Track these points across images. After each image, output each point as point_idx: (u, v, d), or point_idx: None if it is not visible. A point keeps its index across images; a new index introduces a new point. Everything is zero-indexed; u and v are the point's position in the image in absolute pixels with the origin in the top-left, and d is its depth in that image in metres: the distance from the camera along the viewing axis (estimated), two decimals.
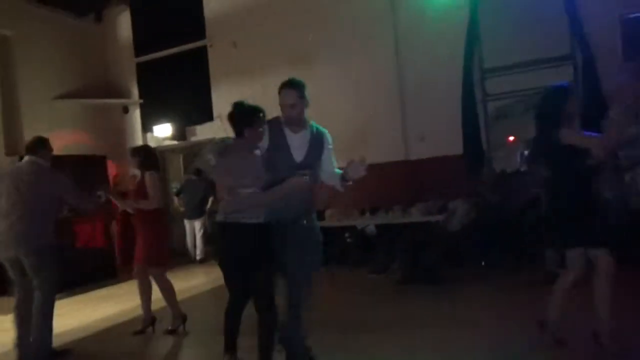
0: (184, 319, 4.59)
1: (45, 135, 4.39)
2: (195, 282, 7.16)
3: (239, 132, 3.12)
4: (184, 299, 5.28)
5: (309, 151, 3.11)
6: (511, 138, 9.92)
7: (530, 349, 3.44)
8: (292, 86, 3.08)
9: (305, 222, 3.09)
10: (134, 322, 4.94)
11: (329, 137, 3.24)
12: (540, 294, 4.69)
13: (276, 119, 3.19)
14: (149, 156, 4.57)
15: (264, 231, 3.03)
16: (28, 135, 5.41)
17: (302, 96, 3.08)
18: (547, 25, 6.74)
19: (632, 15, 6.38)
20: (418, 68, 7.46)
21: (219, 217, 3.10)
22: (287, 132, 3.12)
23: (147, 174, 4.41)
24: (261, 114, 3.15)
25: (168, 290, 4.53)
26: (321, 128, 3.24)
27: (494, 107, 7.73)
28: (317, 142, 3.16)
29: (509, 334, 3.78)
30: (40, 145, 4.19)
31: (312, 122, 3.21)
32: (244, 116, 3.12)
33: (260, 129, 3.10)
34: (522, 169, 6.85)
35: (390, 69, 7.71)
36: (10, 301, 4.16)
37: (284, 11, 8.40)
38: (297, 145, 3.11)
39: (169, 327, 4.54)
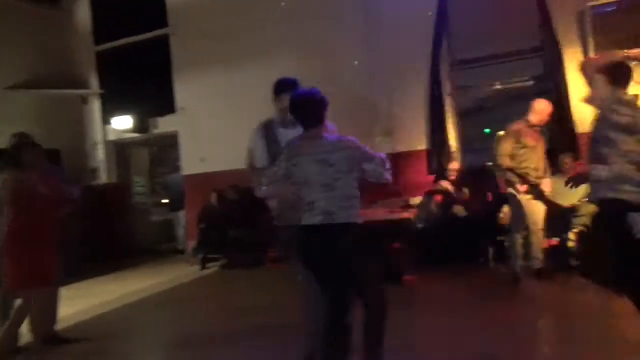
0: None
1: None
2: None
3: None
4: None
5: None
6: (486, 131, 9.82)
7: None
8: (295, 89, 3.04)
9: None
10: None
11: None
12: (507, 293, 4.63)
13: (271, 122, 3.20)
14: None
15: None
16: None
17: None
18: (517, 18, 6.60)
19: (601, 10, 6.25)
20: (386, 61, 7.23)
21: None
22: (281, 131, 3.14)
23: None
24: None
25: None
26: None
27: (467, 99, 7.58)
28: None
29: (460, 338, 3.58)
30: None
31: None
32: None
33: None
34: (491, 164, 6.67)
35: (358, 61, 7.46)
36: None
37: (250, 2, 8.07)
38: None
39: None
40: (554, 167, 5.45)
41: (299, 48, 7.70)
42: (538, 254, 4.93)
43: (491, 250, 5.75)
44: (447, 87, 6.96)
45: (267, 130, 3.17)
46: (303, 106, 2.85)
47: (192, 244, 8.26)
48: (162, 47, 8.86)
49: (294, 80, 3.16)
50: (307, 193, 2.74)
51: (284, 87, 3.12)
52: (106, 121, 9.43)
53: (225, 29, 8.25)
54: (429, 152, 6.80)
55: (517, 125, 4.95)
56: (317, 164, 2.70)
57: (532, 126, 4.91)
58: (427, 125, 6.83)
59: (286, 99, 2.98)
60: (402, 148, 7.03)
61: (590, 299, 4.30)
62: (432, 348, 3.51)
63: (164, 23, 8.86)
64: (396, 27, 7.05)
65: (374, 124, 7.29)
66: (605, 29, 6.12)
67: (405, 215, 5.42)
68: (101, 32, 9.39)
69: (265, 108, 3.37)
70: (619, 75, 3.02)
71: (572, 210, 5.34)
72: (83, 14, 9.53)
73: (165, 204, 10.88)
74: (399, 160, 7.00)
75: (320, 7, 7.62)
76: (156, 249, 9.86)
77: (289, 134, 3.02)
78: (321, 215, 2.68)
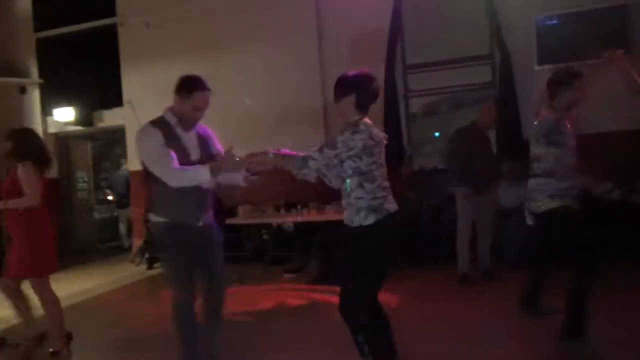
0: (68, 338, 3.91)
1: None
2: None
3: None
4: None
5: (202, 149, 2.99)
6: (436, 134, 10.06)
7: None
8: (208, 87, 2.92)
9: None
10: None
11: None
12: (448, 295, 4.74)
13: (161, 119, 2.99)
14: (24, 142, 3.79)
15: None
16: None
17: None
18: (468, 25, 6.80)
19: (547, 22, 6.53)
20: (341, 60, 7.23)
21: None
22: (179, 131, 2.96)
23: (20, 166, 3.70)
24: None
25: (51, 304, 3.83)
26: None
27: (420, 103, 7.71)
28: (205, 137, 3.06)
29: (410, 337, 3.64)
30: None
31: None
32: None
33: None
34: (440, 167, 6.84)
35: (312, 60, 7.44)
36: None
37: None
38: (191, 145, 2.96)
39: (51, 349, 3.80)
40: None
41: (249, 41, 7.59)
42: (486, 254, 5.10)
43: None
44: (400, 91, 7.04)
45: (164, 130, 2.91)
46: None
47: (138, 243, 7.97)
48: (109, 36, 8.48)
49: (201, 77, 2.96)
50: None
51: (197, 84, 2.90)
52: (47, 112, 8.93)
53: (174, 20, 8.01)
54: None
55: (466, 127, 5.15)
56: None
57: (478, 130, 5.10)
58: (383, 127, 6.87)
59: (199, 98, 2.87)
60: None
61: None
62: None
63: (111, 12, 8.49)
64: (351, 26, 7.08)
65: (329, 125, 7.30)
66: (549, 41, 6.40)
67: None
68: (43, 18, 8.86)
69: (216, 101, 3.21)
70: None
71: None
72: None
73: (110, 200, 10.58)
74: None
75: (275, 3, 7.52)
76: (99, 247, 9.49)
77: (190, 137, 2.96)
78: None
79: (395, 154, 6.83)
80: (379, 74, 6.77)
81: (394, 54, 6.94)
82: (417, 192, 6.26)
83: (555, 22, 6.47)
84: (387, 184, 2.70)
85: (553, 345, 3.31)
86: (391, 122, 6.87)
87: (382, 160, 2.68)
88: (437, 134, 9.36)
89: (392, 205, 2.69)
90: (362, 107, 2.67)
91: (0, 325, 4.04)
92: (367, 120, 2.68)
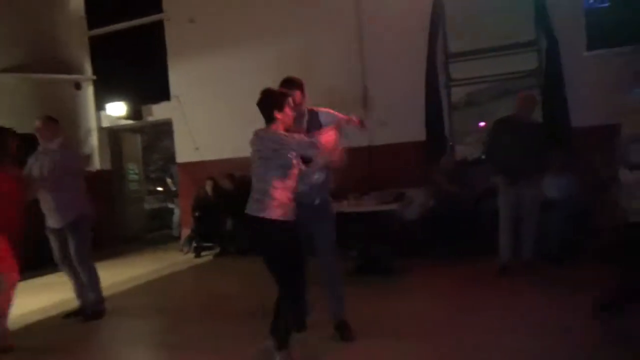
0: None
1: None
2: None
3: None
4: None
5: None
6: (482, 124, 9.82)
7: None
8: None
9: None
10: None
11: None
12: (489, 286, 4.69)
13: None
14: None
15: None
16: None
17: None
18: (512, 11, 6.61)
19: (596, 5, 6.26)
20: (382, 51, 7.22)
21: None
22: None
23: None
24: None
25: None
26: None
27: (462, 92, 7.57)
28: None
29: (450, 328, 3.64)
30: None
31: None
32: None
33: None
34: (483, 157, 6.71)
35: (353, 52, 7.44)
36: None
37: None
38: None
39: None
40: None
41: (294, 34, 7.68)
42: (528, 245, 5.00)
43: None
44: (442, 80, 6.94)
45: None
46: None
47: (186, 232, 8.27)
48: (156, 32, 8.78)
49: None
50: None
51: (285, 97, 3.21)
52: (99, 107, 9.37)
53: (218, 14, 8.20)
54: (425, 144, 6.79)
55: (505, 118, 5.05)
56: None
57: (517, 120, 4.98)
58: (425, 116, 6.81)
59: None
60: (400, 138, 7.03)
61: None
62: (419, 336, 3.57)
63: (158, 8, 8.77)
64: (392, 14, 7.03)
65: (371, 114, 7.31)
66: (599, 26, 6.13)
67: (391, 206, 5.41)
68: (94, 16, 9.28)
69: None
70: None
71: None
72: None
73: (160, 191, 11.03)
74: (394, 150, 7.05)
75: None
76: (149, 236, 9.89)
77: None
78: None
79: (437, 145, 6.79)
80: (420, 63, 6.74)
81: (435, 43, 6.83)
82: (457, 183, 6.18)
83: (605, 4, 6.19)
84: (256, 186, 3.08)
85: (587, 338, 3.26)
86: (432, 113, 6.80)
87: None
88: (481, 123, 9.19)
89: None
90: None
91: None
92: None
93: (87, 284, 4.54)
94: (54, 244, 4.50)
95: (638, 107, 3.12)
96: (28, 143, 4.63)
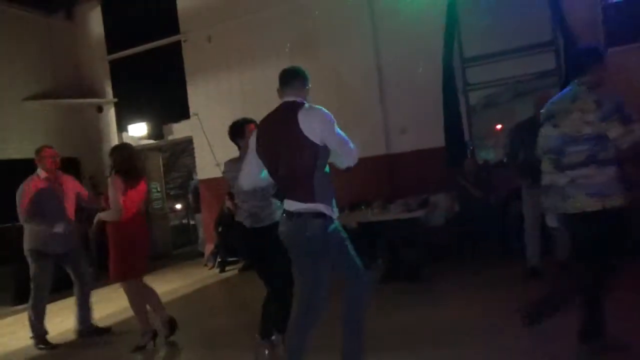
0: (154, 334, 4.27)
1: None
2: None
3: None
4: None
5: None
6: (499, 127, 9.75)
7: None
8: None
9: None
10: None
11: None
12: (520, 289, 4.62)
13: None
14: (116, 157, 4.15)
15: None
16: None
17: None
18: (527, 11, 6.58)
19: (612, 1, 6.21)
20: (397, 58, 7.25)
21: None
22: None
23: (109, 178, 4.08)
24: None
25: (135, 305, 4.24)
26: None
27: (480, 95, 7.55)
28: None
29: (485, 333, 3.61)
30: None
31: None
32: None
33: None
34: (504, 160, 6.67)
35: (368, 60, 7.49)
36: None
37: (259, 4, 8.14)
38: None
39: (137, 344, 4.24)
40: None
41: (308, 48, 7.75)
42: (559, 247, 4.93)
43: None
44: (459, 84, 6.94)
45: None
46: None
47: (209, 248, 8.35)
48: (174, 53, 8.96)
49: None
50: None
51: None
52: (122, 128, 9.56)
53: (234, 34, 8.34)
54: (446, 148, 6.79)
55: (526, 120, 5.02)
56: None
57: (537, 121, 4.92)
58: (443, 122, 6.81)
59: None
60: (420, 145, 7.04)
61: None
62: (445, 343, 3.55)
63: (175, 30, 8.96)
64: (407, 22, 7.05)
65: (389, 122, 7.34)
66: (617, 22, 6.08)
67: (417, 213, 5.41)
68: (113, 40, 9.53)
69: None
70: None
71: None
72: (95, 24, 9.68)
73: (179, 209, 11.15)
74: (415, 157, 7.04)
75: (326, 4, 7.63)
76: (175, 252, 10.00)
77: None
78: None
79: (457, 150, 6.77)
80: (437, 69, 6.76)
81: (451, 48, 6.85)
82: (482, 186, 6.15)
83: (622, 1, 6.14)
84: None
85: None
86: (451, 117, 6.80)
87: None
88: (498, 126, 9.13)
89: None
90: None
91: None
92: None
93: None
94: (48, 270, 4.64)
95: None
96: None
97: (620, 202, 2.89)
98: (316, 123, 2.66)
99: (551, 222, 3.34)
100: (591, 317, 2.98)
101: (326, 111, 2.74)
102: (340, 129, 2.78)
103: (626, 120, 2.81)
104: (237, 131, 3.56)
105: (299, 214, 2.68)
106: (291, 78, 2.87)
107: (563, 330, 3.50)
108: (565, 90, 3.14)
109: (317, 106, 2.77)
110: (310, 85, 2.95)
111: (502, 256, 5.70)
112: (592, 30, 6.27)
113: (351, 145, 2.76)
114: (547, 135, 3.15)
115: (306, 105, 2.78)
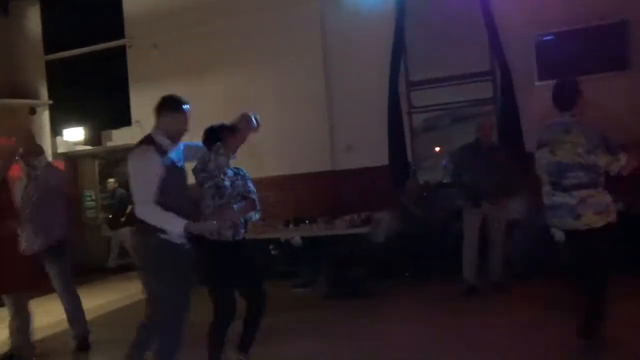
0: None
1: None
2: None
3: None
4: None
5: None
6: (437, 149, 10.15)
7: None
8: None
9: None
10: None
11: None
12: (459, 306, 4.81)
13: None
14: None
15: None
16: None
17: None
18: (469, 42, 6.97)
19: (545, 37, 6.70)
20: (345, 78, 7.40)
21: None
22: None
23: None
24: None
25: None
26: None
27: (421, 119, 7.85)
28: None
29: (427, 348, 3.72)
30: None
31: None
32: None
33: None
34: (445, 181, 6.95)
35: (317, 78, 7.59)
36: None
37: (208, 14, 8.06)
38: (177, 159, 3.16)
39: None
40: None
41: (255, 61, 7.77)
42: (495, 266, 5.18)
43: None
44: (404, 107, 7.19)
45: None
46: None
47: None
48: (117, 58, 8.67)
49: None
50: None
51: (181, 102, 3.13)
52: (56, 132, 9.10)
53: (181, 41, 8.20)
54: (390, 168, 6.98)
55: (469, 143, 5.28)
56: None
57: (480, 145, 5.22)
58: (388, 142, 7.01)
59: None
60: (364, 163, 7.19)
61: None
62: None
63: (119, 34, 8.69)
64: (355, 45, 7.26)
65: (335, 140, 7.44)
66: (548, 58, 6.56)
67: (361, 229, 5.52)
68: (52, 40, 9.09)
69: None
70: None
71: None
72: (33, 22, 9.19)
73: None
74: (359, 175, 7.18)
75: (276, 20, 7.70)
76: (107, 266, 9.52)
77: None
78: None
79: (400, 169, 6.99)
80: (383, 91, 6.98)
81: (397, 71, 7.10)
82: (423, 206, 6.37)
83: (554, 38, 6.64)
84: None
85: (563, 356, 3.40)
86: (395, 138, 7.02)
87: None
88: (437, 148, 9.49)
89: None
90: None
91: None
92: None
93: (71, 314, 4.34)
94: None
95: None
96: None
97: (615, 217, 3.27)
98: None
99: (559, 237, 3.58)
100: (593, 315, 3.29)
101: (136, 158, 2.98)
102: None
103: (611, 149, 3.19)
104: None
105: None
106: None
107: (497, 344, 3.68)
108: (557, 121, 3.44)
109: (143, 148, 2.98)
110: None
111: (442, 274, 5.89)
112: (526, 64, 6.72)
113: None
114: (545, 159, 3.42)
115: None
